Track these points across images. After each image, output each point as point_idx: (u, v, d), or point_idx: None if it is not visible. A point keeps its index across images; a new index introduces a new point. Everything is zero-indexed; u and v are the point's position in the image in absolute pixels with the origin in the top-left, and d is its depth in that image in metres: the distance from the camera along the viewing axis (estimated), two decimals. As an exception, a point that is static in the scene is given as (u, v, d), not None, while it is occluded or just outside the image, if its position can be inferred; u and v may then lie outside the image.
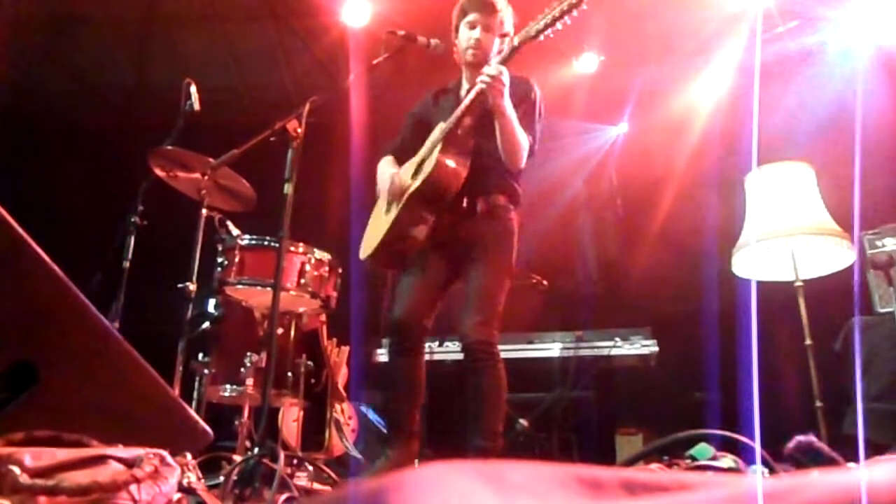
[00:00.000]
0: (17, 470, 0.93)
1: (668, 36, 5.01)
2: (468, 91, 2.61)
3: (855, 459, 1.60)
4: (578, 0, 2.32)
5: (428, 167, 2.55)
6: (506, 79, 2.48)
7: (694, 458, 1.62)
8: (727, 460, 1.61)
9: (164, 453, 1.10)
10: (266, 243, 2.97)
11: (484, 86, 2.45)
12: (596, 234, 5.70)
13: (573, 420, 4.22)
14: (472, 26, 2.67)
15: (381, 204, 2.79)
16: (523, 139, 2.57)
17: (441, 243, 2.66)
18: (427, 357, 4.23)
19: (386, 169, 2.83)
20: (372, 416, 4.38)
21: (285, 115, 2.44)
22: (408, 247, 2.65)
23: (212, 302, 3.31)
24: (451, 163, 2.54)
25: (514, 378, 4.42)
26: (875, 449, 2.61)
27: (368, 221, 2.85)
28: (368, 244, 2.75)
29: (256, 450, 2.13)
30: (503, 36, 2.67)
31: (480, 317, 2.53)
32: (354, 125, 4.78)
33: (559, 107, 5.45)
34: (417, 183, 2.56)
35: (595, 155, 5.72)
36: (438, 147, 2.55)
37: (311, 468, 2.78)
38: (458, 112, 2.55)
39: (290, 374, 3.21)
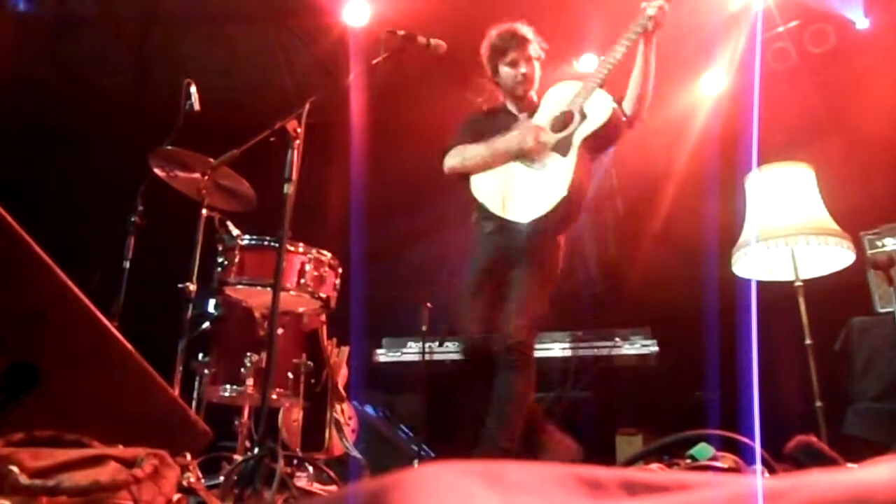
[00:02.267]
0: (17, 470, 0.93)
1: (668, 36, 5.00)
2: (525, 108, 2.87)
3: (855, 459, 1.60)
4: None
5: (598, 111, 2.66)
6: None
7: (694, 458, 1.62)
8: (727, 460, 1.61)
9: (164, 453, 1.10)
10: (266, 243, 2.97)
11: (655, 11, 2.64)
12: (596, 234, 5.69)
13: (573, 420, 4.22)
14: (515, 64, 2.86)
15: (507, 168, 2.72)
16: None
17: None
18: (427, 357, 4.27)
19: (476, 146, 2.80)
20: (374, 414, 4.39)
21: (285, 115, 2.44)
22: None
23: (212, 302, 3.31)
24: None
25: (514, 378, 4.45)
26: (875, 449, 2.61)
27: (477, 186, 2.75)
28: (524, 204, 2.63)
29: (256, 450, 2.13)
30: (538, 59, 2.89)
31: (524, 320, 2.56)
32: (354, 125, 4.78)
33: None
34: (592, 127, 2.64)
35: (596, 164, 5.71)
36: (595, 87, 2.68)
37: (311, 468, 2.78)
38: (620, 47, 2.68)
39: (290, 374, 3.21)
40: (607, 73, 2.70)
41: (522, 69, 2.84)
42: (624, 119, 2.75)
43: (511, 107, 2.95)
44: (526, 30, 2.88)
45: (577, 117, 2.67)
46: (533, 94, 2.91)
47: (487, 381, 2.57)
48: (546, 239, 2.72)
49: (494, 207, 2.69)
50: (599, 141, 2.73)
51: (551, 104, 2.79)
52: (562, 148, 2.66)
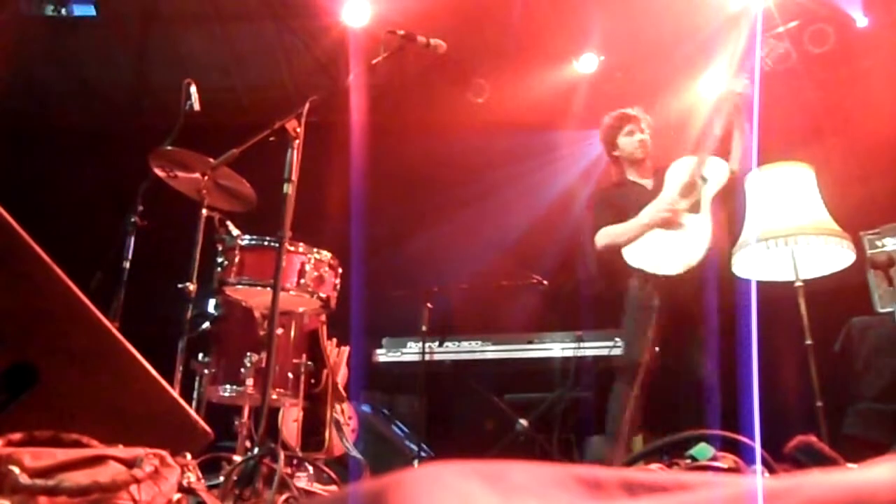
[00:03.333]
0: (17, 470, 0.93)
1: (668, 36, 5.01)
2: (646, 175, 3.46)
3: (855, 459, 1.60)
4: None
5: (718, 174, 3.25)
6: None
7: (694, 458, 1.62)
8: (727, 460, 1.61)
9: (164, 453, 1.10)
10: (266, 243, 2.96)
11: (744, 88, 3.23)
12: (596, 234, 5.69)
13: (573, 420, 4.22)
14: (631, 133, 3.47)
15: (654, 235, 3.22)
16: None
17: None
18: (427, 357, 4.27)
19: (622, 226, 3.28)
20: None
21: (285, 115, 2.44)
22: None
23: (212, 302, 3.31)
24: None
25: (514, 378, 4.45)
26: (875, 449, 2.61)
27: (630, 255, 3.22)
28: (674, 259, 3.13)
29: (256, 450, 2.13)
30: (649, 128, 3.50)
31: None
32: (354, 125, 4.78)
33: (559, 107, 5.45)
34: (717, 187, 3.23)
35: (595, 160, 5.72)
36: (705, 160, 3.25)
37: (311, 468, 2.78)
38: (718, 121, 3.24)
39: (290, 374, 3.21)
40: (714, 145, 3.24)
41: (638, 136, 3.44)
42: (732, 173, 3.27)
43: (633, 176, 3.47)
44: (635, 110, 3.52)
45: (700, 183, 3.21)
46: (648, 162, 3.47)
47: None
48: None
49: (651, 268, 3.15)
50: (724, 196, 3.26)
51: (675, 177, 3.29)
52: (694, 208, 3.20)
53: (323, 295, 3.02)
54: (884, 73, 4.46)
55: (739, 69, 3.25)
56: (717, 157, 3.26)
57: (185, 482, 1.99)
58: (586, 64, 5.37)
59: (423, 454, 4.06)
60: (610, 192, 3.57)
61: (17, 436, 1.02)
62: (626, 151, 3.49)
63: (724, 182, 3.23)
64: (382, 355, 4.52)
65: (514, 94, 5.30)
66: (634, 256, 3.21)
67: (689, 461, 1.60)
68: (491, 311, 4.76)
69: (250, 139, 2.54)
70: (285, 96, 5.69)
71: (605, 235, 3.32)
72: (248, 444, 2.96)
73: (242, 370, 3.04)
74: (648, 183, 3.43)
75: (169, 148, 2.95)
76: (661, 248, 3.18)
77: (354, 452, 3.58)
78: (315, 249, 3.02)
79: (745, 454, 1.60)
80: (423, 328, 4.18)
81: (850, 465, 1.49)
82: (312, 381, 3.39)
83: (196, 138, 2.95)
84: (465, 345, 4.38)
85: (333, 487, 2.54)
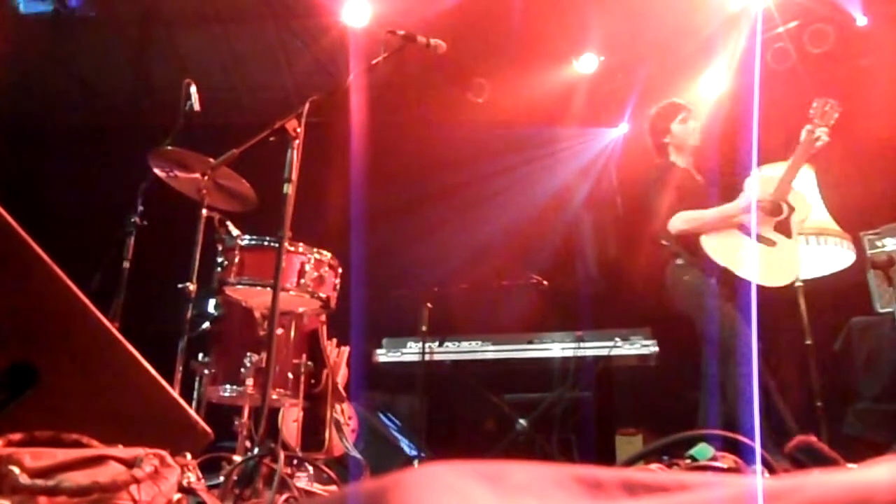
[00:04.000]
0: (17, 470, 0.93)
1: (668, 36, 5.01)
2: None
3: (855, 459, 1.60)
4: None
5: (803, 207, 3.26)
6: None
7: (694, 459, 1.62)
8: (727, 460, 1.61)
9: (164, 453, 1.10)
10: (266, 243, 2.96)
11: (826, 137, 3.15)
12: (596, 234, 5.70)
13: (573, 420, 4.22)
14: (685, 121, 3.53)
15: (739, 238, 3.18)
16: None
17: None
18: (427, 357, 4.27)
19: (701, 212, 3.27)
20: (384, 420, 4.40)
21: (285, 115, 2.43)
22: None
23: (212, 302, 3.30)
24: None
25: (514, 378, 4.45)
26: (875, 449, 2.61)
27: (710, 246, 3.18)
28: (779, 272, 3.10)
29: (256, 450, 2.13)
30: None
31: None
32: (354, 125, 4.78)
33: (559, 107, 5.45)
34: (802, 216, 3.23)
35: (595, 161, 5.72)
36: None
37: (311, 468, 2.77)
38: (798, 161, 3.21)
39: (290, 374, 3.21)
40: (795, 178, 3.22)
41: (692, 123, 3.51)
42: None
43: (681, 163, 3.51)
44: (683, 100, 3.59)
45: (785, 208, 3.21)
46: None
47: None
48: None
49: (732, 266, 3.09)
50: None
51: (758, 187, 3.24)
52: (784, 231, 3.19)
53: (323, 295, 3.02)
54: (884, 72, 4.46)
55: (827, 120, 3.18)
56: (799, 192, 3.25)
57: (185, 482, 2.00)
58: (586, 64, 5.37)
59: (423, 454, 4.06)
60: (666, 172, 3.54)
61: (17, 436, 1.02)
62: (678, 138, 3.54)
63: (803, 219, 3.23)
64: (382, 355, 4.52)
65: (514, 94, 5.30)
66: (713, 249, 3.18)
67: (689, 461, 1.59)
68: (491, 311, 4.76)
69: (250, 139, 2.54)
70: (285, 96, 5.69)
71: (684, 221, 3.30)
72: (248, 444, 2.96)
73: (242, 370, 3.04)
74: (694, 173, 3.50)
75: (169, 148, 2.95)
76: (747, 254, 3.15)
77: (354, 452, 3.58)
78: (315, 249, 3.02)
79: (745, 454, 1.60)
80: (423, 328, 4.18)
81: (850, 465, 1.49)
82: (312, 381, 3.38)
83: (196, 138, 2.95)
84: (465, 345, 4.38)
85: (333, 487, 2.54)
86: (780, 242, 3.17)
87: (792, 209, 3.21)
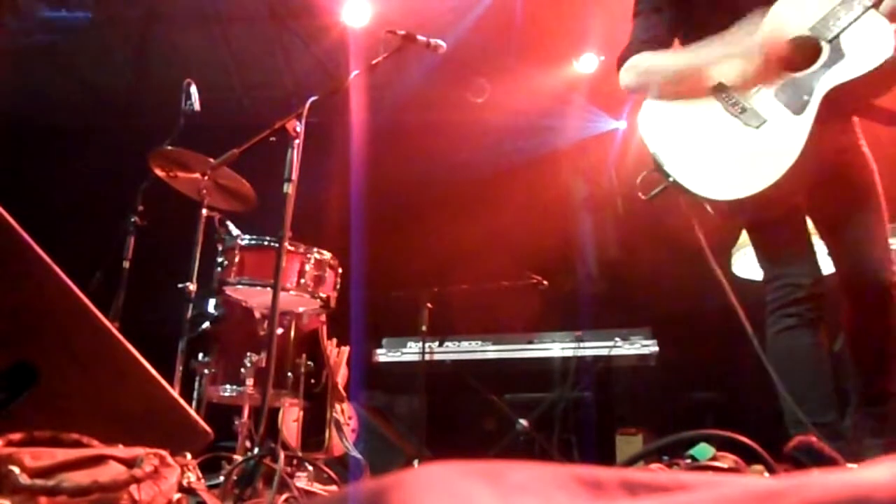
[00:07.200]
0: (17, 470, 0.93)
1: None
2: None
3: (855, 459, 1.60)
4: None
5: (867, 50, 1.67)
6: None
7: (694, 458, 1.62)
8: (727, 460, 1.61)
9: (164, 453, 1.10)
10: (266, 243, 2.97)
11: None
12: (596, 234, 5.70)
13: (573, 420, 4.22)
14: None
15: (707, 112, 1.88)
16: None
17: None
18: (427, 357, 4.27)
19: (666, 56, 1.94)
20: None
21: (285, 115, 2.44)
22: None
23: (212, 302, 3.31)
24: None
25: (514, 378, 4.45)
26: (875, 449, 2.60)
27: (655, 129, 2.02)
28: (727, 177, 1.86)
29: (256, 450, 2.13)
30: None
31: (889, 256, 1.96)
32: (354, 125, 4.78)
33: (559, 107, 5.46)
34: (852, 73, 1.70)
35: (595, 161, 5.72)
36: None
37: (311, 468, 2.78)
38: None
39: (290, 374, 3.21)
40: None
41: None
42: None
43: None
44: None
45: (826, 50, 1.72)
46: None
47: None
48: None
49: (681, 175, 1.98)
50: (858, 98, 1.82)
51: (782, 20, 1.79)
52: (793, 99, 1.76)
53: (323, 295, 3.03)
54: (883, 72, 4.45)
55: None
56: (882, 18, 1.70)
57: (185, 482, 2.00)
58: (586, 64, 5.37)
59: (423, 454, 4.06)
60: None
61: (17, 436, 1.02)
62: None
63: (872, 69, 1.70)
64: (382, 355, 4.52)
65: (514, 94, 5.30)
66: (659, 139, 2.05)
67: (689, 461, 1.59)
68: (491, 311, 4.76)
69: (250, 139, 2.54)
70: (285, 96, 5.69)
71: (630, 69, 2.06)
72: (248, 444, 2.96)
73: (242, 370, 3.04)
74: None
75: (169, 148, 2.96)
76: (713, 148, 1.92)
77: (354, 452, 3.58)
78: (315, 249, 3.02)
79: (745, 454, 1.60)
80: (423, 328, 4.18)
81: (850, 465, 1.49)
82: (312, 381, 3.39)
83: (196, 138, 2.95)
84: (465, 345, 4.38)
85: (333, 487, 2.54)
86: (773, 121, 1.80)
87: (839, 55, 1.72)
